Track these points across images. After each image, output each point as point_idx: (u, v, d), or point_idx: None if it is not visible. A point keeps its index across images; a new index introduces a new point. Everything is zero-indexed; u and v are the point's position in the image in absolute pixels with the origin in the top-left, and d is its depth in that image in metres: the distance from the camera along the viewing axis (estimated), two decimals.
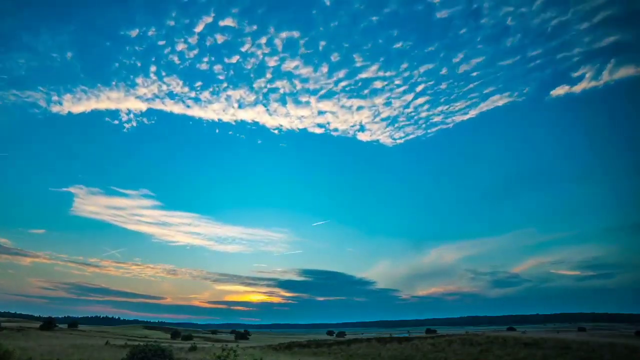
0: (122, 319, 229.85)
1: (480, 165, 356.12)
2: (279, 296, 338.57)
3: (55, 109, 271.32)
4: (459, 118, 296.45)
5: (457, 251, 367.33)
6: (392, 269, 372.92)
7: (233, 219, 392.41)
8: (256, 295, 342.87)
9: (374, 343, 34.99)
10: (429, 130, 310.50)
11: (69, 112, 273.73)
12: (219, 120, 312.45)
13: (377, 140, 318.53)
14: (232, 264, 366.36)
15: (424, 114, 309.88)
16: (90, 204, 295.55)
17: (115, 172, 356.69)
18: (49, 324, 53.79)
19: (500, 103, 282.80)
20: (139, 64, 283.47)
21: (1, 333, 37.60)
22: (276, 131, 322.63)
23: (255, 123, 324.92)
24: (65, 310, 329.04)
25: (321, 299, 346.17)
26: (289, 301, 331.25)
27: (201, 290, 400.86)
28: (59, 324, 64.72)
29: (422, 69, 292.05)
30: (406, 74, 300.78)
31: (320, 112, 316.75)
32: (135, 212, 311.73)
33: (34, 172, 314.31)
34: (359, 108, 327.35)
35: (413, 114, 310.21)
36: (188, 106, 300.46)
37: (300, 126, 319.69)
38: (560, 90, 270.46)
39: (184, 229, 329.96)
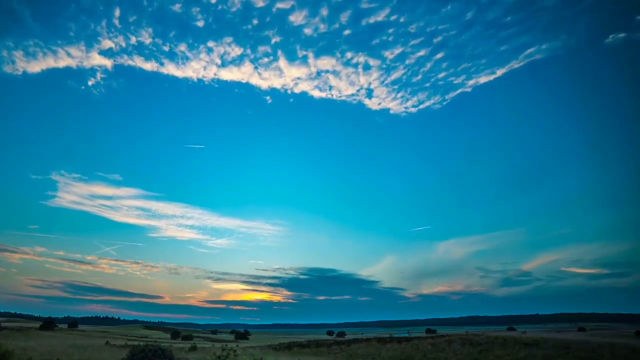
0: (121, 318, 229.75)
1: (499, 143, 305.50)
2: (279, 295, 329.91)
3: (8, 68, 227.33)
4: (483, 79, 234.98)
5: (466, 246, 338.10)
6: (397, 265, 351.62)
7: (226, 210, 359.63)
8: (255, 295, 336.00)
9: (374, 343, 34.99)
10: (446, 96, 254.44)
11: (24, 72, 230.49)
12: (199, 80, 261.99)
13: (387, 110, 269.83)
14: (229, 261, 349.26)
15: (442, 75, 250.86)
16: (75, 194, 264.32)
17: (93, 153, 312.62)
18: (49, 323, 53.83)
19: (538, 57, 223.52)
20: (100, 7, 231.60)
21: (1, 333, 37.60)
22: (268, 98, 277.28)
23: (242, 85, 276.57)
24: (60, 310, 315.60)
25: (322, 298, 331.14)
26: (289, 300, 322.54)
27: (198, 289, 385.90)
28: (58, 324, 64.72)
29: (443, 11, 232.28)
30: (422, 23, 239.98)
31: (320, 72, 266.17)
32: (124, 203, 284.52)
33: (9, 154, 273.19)
34: (367, 67, 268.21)
35: (430, 74, 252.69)
36: (162, 64, 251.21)
37: (297, 90, 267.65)
38: (615, 38, 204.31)
39: (176, 221, 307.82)
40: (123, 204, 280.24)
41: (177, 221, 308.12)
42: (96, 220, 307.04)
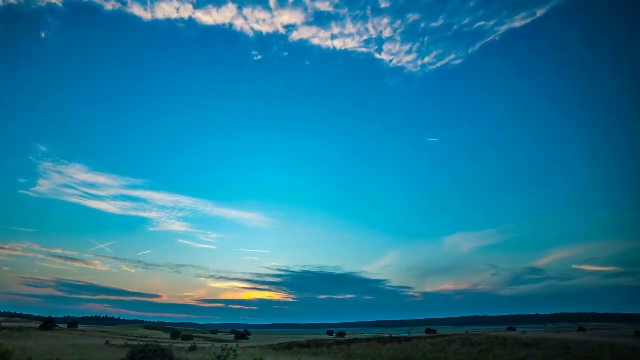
0: (121, 318, 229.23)
1: (522, 116, 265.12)
2: (279, 294, 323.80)
3: None
4: (519, 22, 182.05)
5: (475, 241, 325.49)
6: (402, 262, 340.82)
7: (221, 202, 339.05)
8: (254, 293, 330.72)
9: (374, 343, 34.99)
10: (470, 49, 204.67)
11: None
12: (170, 24, 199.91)
13: (402, 69, 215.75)
14: (226, 258, 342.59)
15: (466, 20, 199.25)
16: (56, 179, 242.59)
17: (67, 129, 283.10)
18: (49, 323, 53.81)
19: None
20: None
21: (1, 333, 37.57)
22: (257, 54, 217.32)
23: (224, 32, 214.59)
24: (55, 310, 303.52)
25: (324, 297, 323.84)
26: (289, 299, 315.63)
27: (195, 288, 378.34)
28: (58, 324, 64.71)
29: None
30: None
31: (319, 16, 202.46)
32: (110, 192, 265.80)
33: None
34: (377, 10, 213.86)
35: (452, 19, 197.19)
36: (124, 3, 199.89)
37: (291, 38, 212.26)
38: None
39: (168, 213, 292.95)
40: (109, 193, 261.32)
41: (170, 213, 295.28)
42: (84, 212, 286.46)
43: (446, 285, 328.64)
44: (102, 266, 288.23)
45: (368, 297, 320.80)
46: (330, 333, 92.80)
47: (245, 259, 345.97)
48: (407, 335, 50.80)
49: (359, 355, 30.35)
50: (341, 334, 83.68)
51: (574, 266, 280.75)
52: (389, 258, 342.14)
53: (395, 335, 46.09)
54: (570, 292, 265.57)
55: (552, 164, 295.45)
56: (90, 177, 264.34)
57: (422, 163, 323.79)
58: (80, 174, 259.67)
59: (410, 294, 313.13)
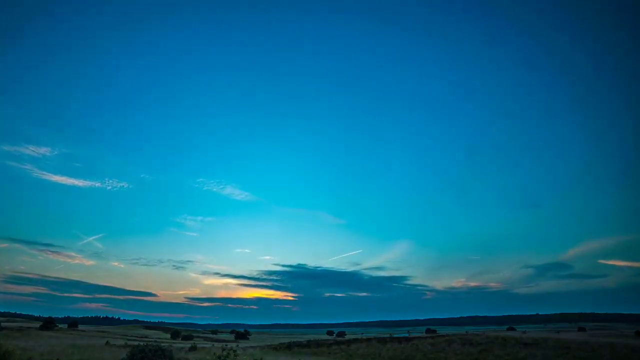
0: (121, 318, 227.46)
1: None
2: (280, 292, 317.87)
3: None
4: None
5: (494, 232, 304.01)
6: (410, 256, 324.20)
7: (208, 177, 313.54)
8: (253, 292, 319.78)
9: (374, 343, 35.00)
10: None
11: None
12: None
13: None
14: (225, 254, 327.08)
15: None
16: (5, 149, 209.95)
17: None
18: (49, 323, 53.87)
19: None
20: None
21: (1, 333, 37.59)
22: None
23: None
24: (47, 309, 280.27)
25: (327, 295, 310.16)
26: (289, 297, 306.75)
27: (189, 286, 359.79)
28: (58, 324, 64.78)
29: None
30: None
31: None
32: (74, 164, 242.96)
33: None
34: None
35: None
36: None
37: None
38: None
39: (146, 194, 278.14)
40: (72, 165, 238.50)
41: (149, 194, 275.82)
42: (51, 190, 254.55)
43: (459, 281, 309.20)
44: (89, 261, 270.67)
45: (375, 295, 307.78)
46: (330, 333, 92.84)
47: (236, 251, 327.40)
48: (407, 335, 50.84)
49: (359, 355, 30.36)
50: (341, 334, 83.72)
51: (600, 260, 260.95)
52: (397, 254, 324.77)
53: (395, 335, 46.12)
54: (596, 290, 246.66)
55: (589, 145, 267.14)
56: (43, 147, 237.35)
57: (431, 141, 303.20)
58: (32, 140, 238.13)
59: (420, 291, 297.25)
